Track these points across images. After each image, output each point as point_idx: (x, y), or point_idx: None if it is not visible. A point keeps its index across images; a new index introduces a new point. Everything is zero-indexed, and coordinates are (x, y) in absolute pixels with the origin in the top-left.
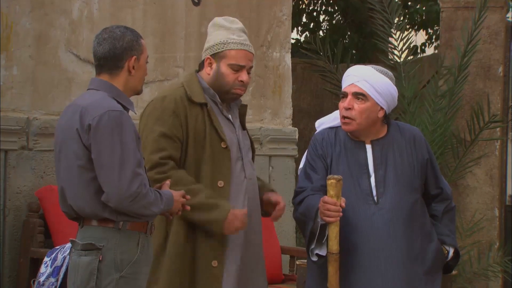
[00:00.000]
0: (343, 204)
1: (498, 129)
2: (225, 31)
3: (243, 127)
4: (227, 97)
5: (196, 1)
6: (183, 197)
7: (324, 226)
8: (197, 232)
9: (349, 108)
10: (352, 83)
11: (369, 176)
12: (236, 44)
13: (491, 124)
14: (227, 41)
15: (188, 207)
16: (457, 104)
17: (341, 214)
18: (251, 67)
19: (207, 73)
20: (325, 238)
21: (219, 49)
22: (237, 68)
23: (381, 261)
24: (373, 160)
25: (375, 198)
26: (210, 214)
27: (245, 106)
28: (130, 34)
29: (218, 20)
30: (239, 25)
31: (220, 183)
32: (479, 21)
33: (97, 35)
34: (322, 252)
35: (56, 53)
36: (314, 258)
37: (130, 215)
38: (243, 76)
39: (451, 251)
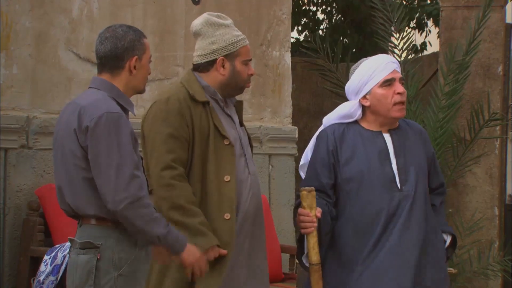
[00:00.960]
0: (318, 215)
1: (497, 128)
2: (226, 29)
3: (241, 123)
4: (238, 93)
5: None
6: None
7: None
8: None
9: (402, 93)
10: (394, 69)
11: (390, 163)
12: (244, 40)
13: (491, 122)
14: (236, 39)
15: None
16: (458, 103)
17: (315, 224)
18: None
19: (222, 74)
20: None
21: (232, 48)
22: (247, 63)
23: (404, 246)
24: (394, 148)
25: (399, 185)
26: (195, 238)
27: (241, 102)
28: (133, 34)
29: (210, 18)
30: (230, 20)
31: (227, 178)
32: (483, 21)
33: (100, 33)
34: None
35: (56, 52)
36: (308, 264)
37: (127, 225)
38: (252, 69)
39: (449, 239)
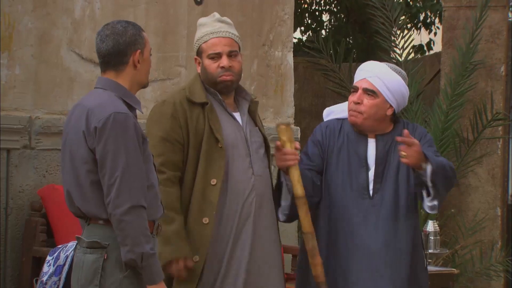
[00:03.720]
0: (298, 146)
1: (500, 128)
2: (202, 27)
3: (255, 123)
4: (219, 87)
5: (198, 0)
6: None
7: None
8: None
9: (358, 103)
10: (364, 78)
11: (367, 170)
12: (207, 36)
13: (493, 122)
14: (201, 36)
15: None
16: (463, 105)
17: (298, 156)
18: (233, 51)
19: (198, 72)
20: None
21: (197, 46)
22: (214, 56)
23: (366, 261)
24: (375, 155)
25: (371, 192)
26: (163, 246)
27: (256, 102)
28: (132, 28)
29: (200, 20)
30: (216, 16)
31: (213, 181)
32: (481, 21)
33: (99, 32)
34: (286, 211)
35: (59, 52)
36: (283, 218)
37: (119, 231)
38: (223, 61)
39: (429, 168)
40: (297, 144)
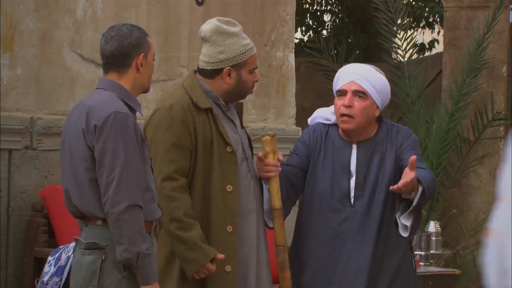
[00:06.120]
0: (280, 158)
1: (501, 128)
2: (235, 38)
3: (241, 126)
4: (241, 99)
5: (200, 0)
6: None
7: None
8: (208, 239)
9: (350, 106)
10: (352, 81)
11: (350, 177)
12: (252, 49)
13: (494, 121)
14: (244, 49)
15: None
16: (465, 105)
17: (279, 169)
18: None
19: (227, 83)
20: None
21: (241, 59)
22: (253, 71)
23: (348, 266)
24: (357, 161)
25: (352, 200)
26: (190, 253)
27: (241, 104)
28: (137, 32)
29: (220, 26)
30: (239, 25)
31: (229, 188)
32: (493, 23)
33: (104, 33)
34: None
35: (60, 53)
36: (271, 225)
37: (115, 230)
38: (257, 76)
39: (420, 189)
40: (280, 156)
